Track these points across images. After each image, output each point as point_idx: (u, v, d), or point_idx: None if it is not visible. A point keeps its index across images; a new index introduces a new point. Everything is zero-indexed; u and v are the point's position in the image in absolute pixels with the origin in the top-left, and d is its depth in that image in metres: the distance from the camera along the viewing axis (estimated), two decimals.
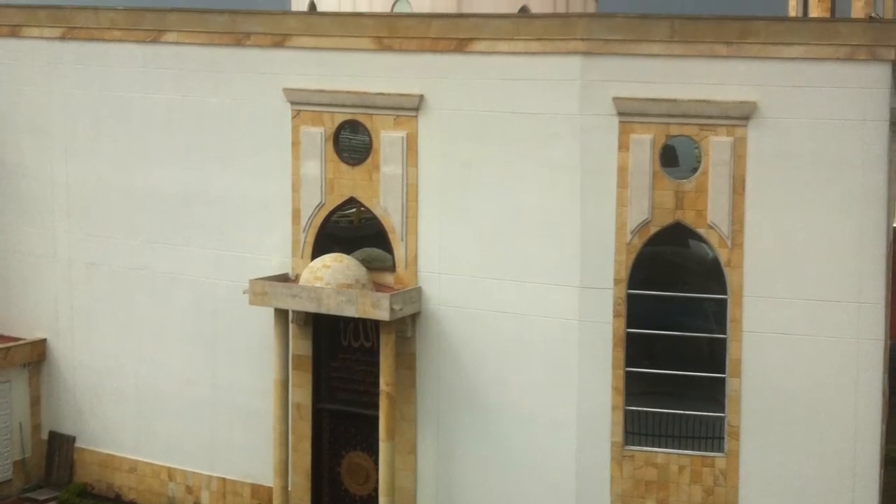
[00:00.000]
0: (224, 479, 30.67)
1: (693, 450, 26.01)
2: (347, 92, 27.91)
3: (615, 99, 25.53)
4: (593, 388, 26.21)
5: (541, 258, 26.45)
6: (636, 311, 26.00)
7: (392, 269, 28.05)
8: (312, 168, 28.46)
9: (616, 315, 25.99)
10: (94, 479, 32.67)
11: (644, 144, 25.49)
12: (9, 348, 32.27)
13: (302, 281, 27.81)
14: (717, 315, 25.71)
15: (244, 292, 28.29)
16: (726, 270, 25.36)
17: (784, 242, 24.95)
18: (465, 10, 34.80)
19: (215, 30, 29.35)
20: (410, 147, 27.53)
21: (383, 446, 27.41)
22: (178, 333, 30.93)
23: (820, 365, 24.91)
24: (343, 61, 27.96)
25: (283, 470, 28.44)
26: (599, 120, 25.71)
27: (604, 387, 26.14)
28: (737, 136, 25.01)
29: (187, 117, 30.17)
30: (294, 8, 38.56)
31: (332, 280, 27.31)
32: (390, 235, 27.95)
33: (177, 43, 29.93)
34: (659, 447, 26.17)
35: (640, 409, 26.21)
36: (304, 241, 28.77)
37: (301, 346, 29.12)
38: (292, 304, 27.66)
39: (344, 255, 28.02)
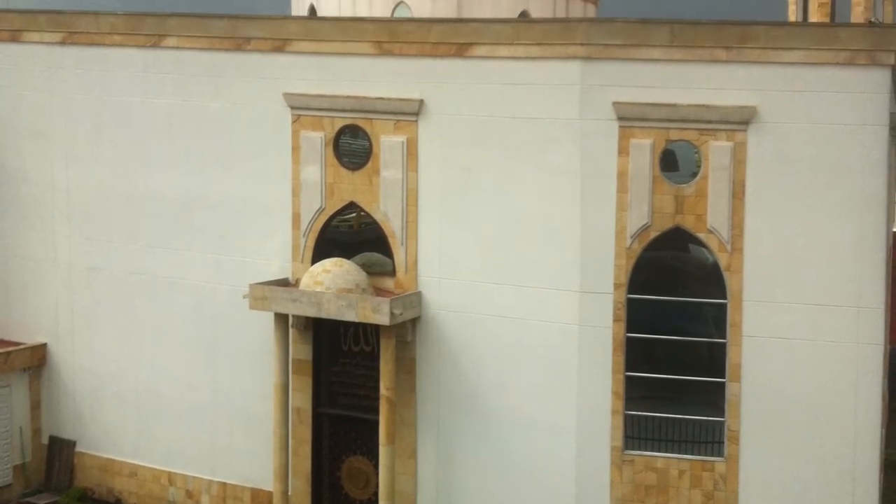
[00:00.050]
0: (224, 484, 30.65)
1: (693, 454, 25.97)
2: (347, 97, 27.93)
3: (615, 104, 25.53)
4: (593, 392, 26.19)
5: (541, 263, 26.44)
6: (636, 316, 25.99)
7: (392, 273, 28.06)
8: (312, 172, 28.46)
9: (616, 319, 25.98)
10: (94, 484, 32.66)
11: (644, 149, 25.50)
12: (9, 353, 32.26)
13: (302, 285, 27.82)
14: (716, 319, 25.70)
15: (244, 297, 28.30)
16: (726, 275, 25.35)
17: (784, 247, 24.93)
18: (466, 14, 34.89)
19: (215, 34, 29.37)
20: (410, 152, 27.54)
21: (383, 451, 27.40)
22: (178, 338, 30.93)
23: (820, 369, 24.89)
24: (343, 66, 27.96)
25: (284, 474, 28.43)
26: (599, 124, 25.71)
27: (604, 391, 26.13)
28: (737, 141, 25.01)
29: (187, 122, 30.18)
30: (294, 13, 38.62)
31: (332, 284, 27.31)
32: (390, 240, 27.96)
33: (177, 48, 29.93)
34: (659, 451, 26.14)
35: (639, 413, 26.18)
36: (305, 246, 28.78)
37: (301, 350, 29.12)
38: (292, 309, 27.67)
39: (344, 260, 28.02)
